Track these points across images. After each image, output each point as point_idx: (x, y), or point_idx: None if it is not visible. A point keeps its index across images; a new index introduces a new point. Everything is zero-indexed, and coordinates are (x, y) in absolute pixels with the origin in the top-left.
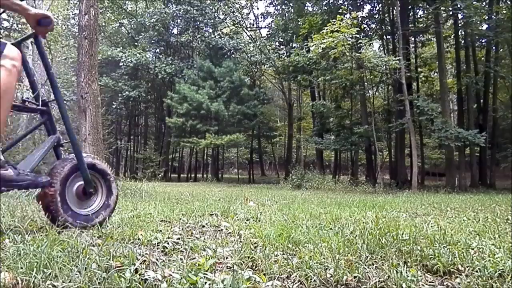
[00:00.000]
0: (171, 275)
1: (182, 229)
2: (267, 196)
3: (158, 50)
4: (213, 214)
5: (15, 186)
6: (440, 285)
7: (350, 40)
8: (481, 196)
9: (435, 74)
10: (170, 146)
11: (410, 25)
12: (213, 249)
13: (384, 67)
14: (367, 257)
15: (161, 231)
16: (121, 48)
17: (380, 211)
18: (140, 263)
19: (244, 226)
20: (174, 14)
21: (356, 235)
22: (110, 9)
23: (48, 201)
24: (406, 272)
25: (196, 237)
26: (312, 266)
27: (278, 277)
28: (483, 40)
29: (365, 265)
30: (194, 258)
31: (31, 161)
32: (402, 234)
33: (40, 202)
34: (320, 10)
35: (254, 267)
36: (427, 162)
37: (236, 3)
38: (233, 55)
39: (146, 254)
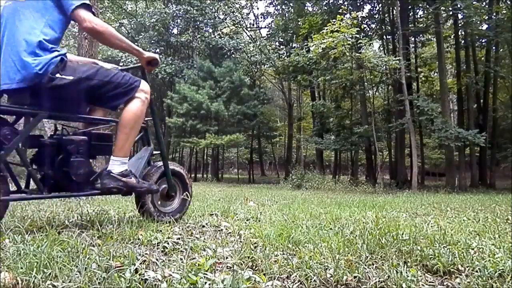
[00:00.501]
0: (171, 275)
1: (182, 229)
2: (267, 196)
3: (158, 50)
4: (213, 214)
5: (137, 191)
6: (440, 285)
7: (350, 40)
8: (481, 196)
9: (435, 74)
10: (170, 146)
11: (410, 25)
12: (213, 249)
13: (384, 67)
14: (367, 257)
15: (161, 231)
16: None
17: (380, 211)
18: (140, 263)
19: (244, 226)
20: (174, 14)
21: (356, 235)
22: (110, 9)
23: (142, 200)
24: (406, 272)
25: (196, 237)
26: (312, 266)
27: (278, 277)
28: (483, 40)
29: (365, 265)
30: (194, 258)
31: (137, 170)
32: (402, 234)
33: (137, 201)
34: (320, 10)
35: (254, 267)
36: (427, 162)
37: (236, 3)
38: (233, 55)
39: (146, 254)
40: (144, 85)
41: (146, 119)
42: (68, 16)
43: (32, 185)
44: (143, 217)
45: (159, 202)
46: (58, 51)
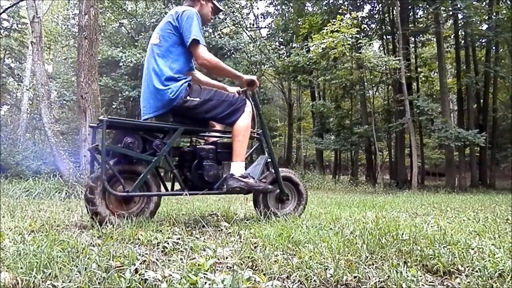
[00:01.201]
0: (171, 275)
1: (182, 229)
2: None
3: None
4: (213, 214)
5: (255, 190)
6: (440, 285)
7: (350, 40)
8: (481, 196)
9: (435, 74)
10: None
11: (410, 25)
12: (213, 249)
13: (384, 67)
14: (367, 257)
15: (161, 231)
16: (121, 48)
17: (380, 211)
18: (140, 263)
19: (244, 226)
20: None
21: (356, 235)
22: (110, 9)
23: (257, 201)
24: (406, 272)
25: (196, 237)
26: (312, 266)
27: (278, 277)
28: (483, 40)
29: (365, 265)
30: (194, 258)
31: (254, 174)
32: (402, 234)
33: (254, 201)
34: (320, 10)
35: (254, 267)
36: (427, 162)
37: (236, 3)
38: (233, 55)
39: (146, 254)
40: (247, 102)
41: (258, 131)
42: (188, 49)
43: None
44: (260, 216)
45: (273, 204)
46: (185, 78)
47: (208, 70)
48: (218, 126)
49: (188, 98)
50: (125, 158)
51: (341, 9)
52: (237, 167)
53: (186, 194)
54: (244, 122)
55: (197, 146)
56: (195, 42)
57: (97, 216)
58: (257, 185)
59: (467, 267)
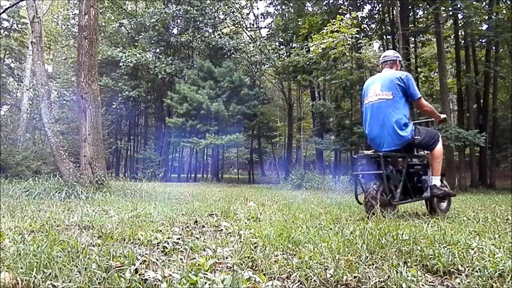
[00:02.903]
0: (171, 275)
1: (182, 229)
2: (267, 196)
3: (158, 50)
4: (213, 214)
5: (447, 195)
6: (440, 285)
7: (350, 40)
8: (481, 196)
9: (435, 74)
10: (170, 146)
11: (410, 25)
12: (213, 249)
13: None
14: (367, 257)
15: (161, 231)
16: (121, 48)
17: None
18: (140, 263)
19: (244, 226)
20: (174, 14)
21: (356, 235)
22: (110, 9)
23: (432, 202)
24: (406, 272)
25: (196, 237)
26: (312, 266)
27: (278, 277)
28: (483, 40)
29: (365, 265)
30: (194, 258)
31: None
32: (402, 234)
33: (428, 202)
34: (320, 10)
35: (254, 267)
36: None
37: (236, 3)
38: (233, 55)
39: (146, 254)
40: (439, 133)
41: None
42: (413, 103)
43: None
44: (432, 214)
45: (439, 203)
46: (411, 123)
47: (425, 114)
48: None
49: (415, 137)
50: (380, 177)
51: (341, 9)
52: (436, 180)
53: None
54: (440, 147)
55: (415, 166)
56: (419, 98)
57: (372, 212)
58: (449, 191)
59: (467, 267)
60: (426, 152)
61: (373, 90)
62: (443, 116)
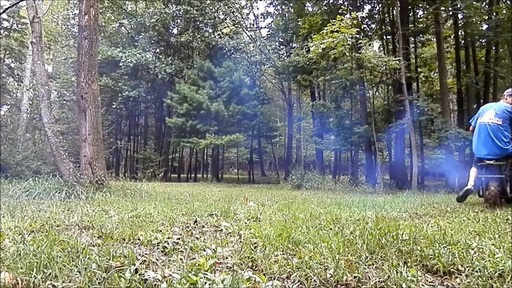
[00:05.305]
0: (171, 275)
1: (182, 229)
2: (267, 196)
3: (158, 50)
4: (213, 214)
5: None
6: (440, 285)
7: (350, 40)
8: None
9: (435, 74)
10: (170, 146)
11: (410, 25)
12: (213, 249)
13: (384, 67)
14: (367, 257)
15: (161, 231)
16: (121, 48)
17: (380, 211)
18: (140, 263)
19: (244, 226)
20: (174, 14)
21: (356, 235)
22: (110, 9)
23: None
24: (406, 272)
25: (196, 237)
26: (312, 266)
27: (278, 277)
28: (483, 40)
29: (365, 265)
30: (194, 258)
31: None
32: (402, 234)
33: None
34: (320, 10)
35: (254, 267)
36: (427, 162)
37: (236, 3)
38: (233, 55)
39: (146, 254)
40: None
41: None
42: None
43: None
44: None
45: None
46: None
47: None
48: None
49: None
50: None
51: (341, 9)
52: None
53: None
54: None
55: None
56: None
57: (494, 204)
58: None
59: (467, 267)
60: None
61: (488, 114)
62: None
